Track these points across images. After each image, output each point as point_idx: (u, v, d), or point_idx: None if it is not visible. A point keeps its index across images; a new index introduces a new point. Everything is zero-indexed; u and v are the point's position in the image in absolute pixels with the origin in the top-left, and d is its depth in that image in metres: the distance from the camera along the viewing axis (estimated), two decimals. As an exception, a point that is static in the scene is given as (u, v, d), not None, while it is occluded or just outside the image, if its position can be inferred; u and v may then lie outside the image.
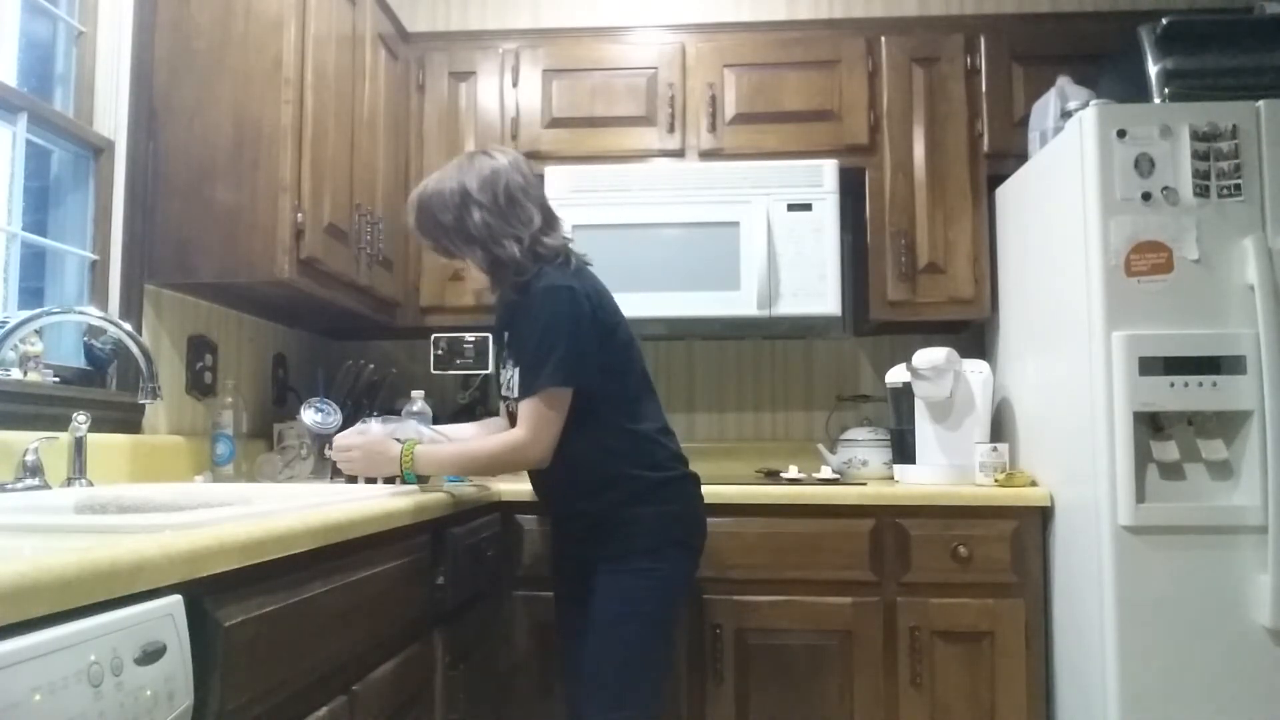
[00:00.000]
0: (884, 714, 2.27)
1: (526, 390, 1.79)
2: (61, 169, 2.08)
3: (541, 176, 2.64)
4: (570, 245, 1.91)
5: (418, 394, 2.36)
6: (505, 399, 1.95)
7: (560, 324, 1.77)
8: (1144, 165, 2.05)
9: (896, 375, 2.63)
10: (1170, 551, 1.98)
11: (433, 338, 2.66)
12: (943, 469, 2.50)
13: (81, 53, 2.11)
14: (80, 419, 1.73)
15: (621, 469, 1.84)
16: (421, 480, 1.85)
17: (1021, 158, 2.55)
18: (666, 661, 1.99)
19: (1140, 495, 1.99)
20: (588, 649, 1.81)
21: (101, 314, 1.78)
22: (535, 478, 1.96)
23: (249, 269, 2.11)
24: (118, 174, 2.09)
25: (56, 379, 1.86)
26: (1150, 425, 2.03)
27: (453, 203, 1.84)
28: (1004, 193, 2.65)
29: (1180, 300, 2.02)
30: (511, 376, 1.90)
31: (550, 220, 1.90)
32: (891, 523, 2.31)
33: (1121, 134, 2.05)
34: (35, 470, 1.62)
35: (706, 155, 2.76)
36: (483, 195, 1.83)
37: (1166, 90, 2.21)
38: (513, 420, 1.90)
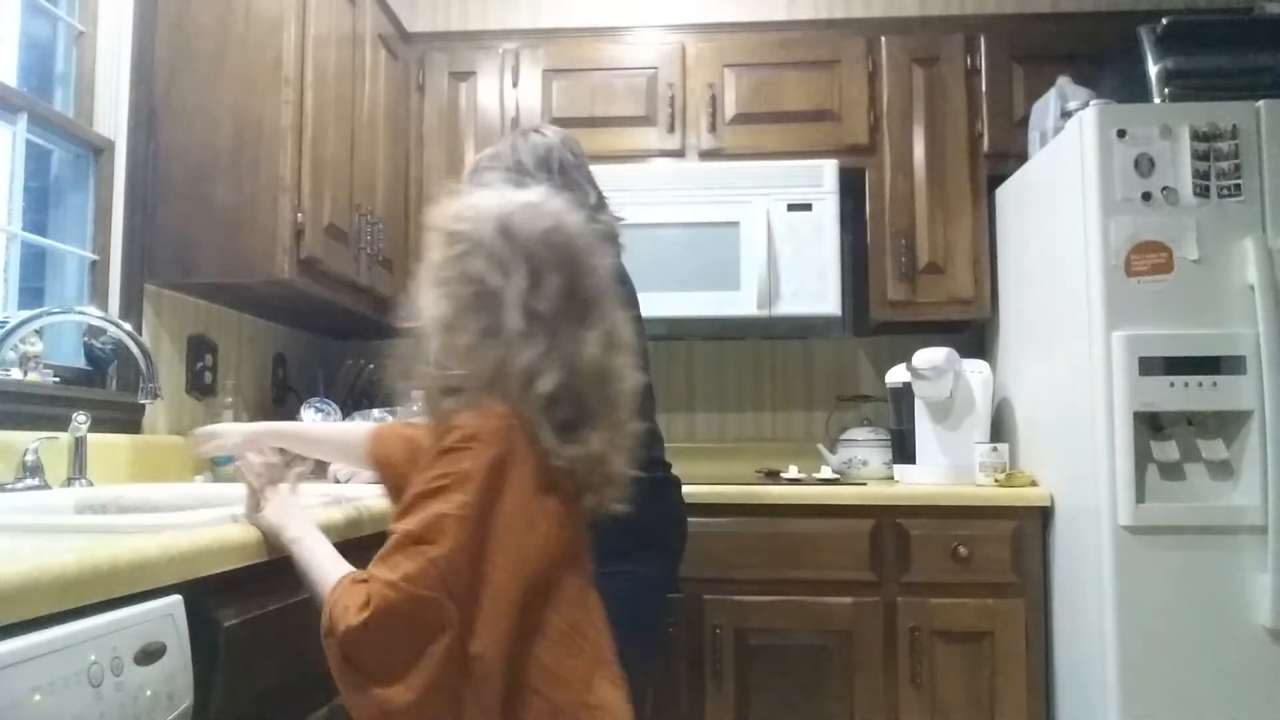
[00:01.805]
0: (884, 714, 2.27)
1: None
2: (61, 169, 2.08)
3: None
4: (619, 226, 1.90)
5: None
6: None
7: None
8: (1144, 165, 2.05)
9: (896, 375, 2.63)
10: (1170, 551, 1.98)
11: (433, 338, 2.65)
12: (943, 469, 2.50)
13: (81, 53, 2.11)
14: (80, 419, 1.73)
15: None
16: None
17: (1021, 158, 2.55)
18: (647, 662, 1.98)
19: (1140, 495, 1.99)
20: None
21: (101, 314, 1.78)
22: None
23: (249, 269, 2.11)
24: (118, 174, 2.09)
25: (56, 379, 1.86)
26: (1150, 425, 2.03)
27: (509, 179, 1.85)
28: (1004, 193, 2.65)
29: (1180, 300, 2.02)
30: None
31: (602, 199, 1.90)
32: (891, 523, 2.31)
33: (1121, 134, 2.05)
34: (35, 470, 1.62)
35: (706, 155, 2.76)
36: (539, 171, 1.84)
37: (1166, 90, 2.21)
38: None
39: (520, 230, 1.10)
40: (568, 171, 1.85)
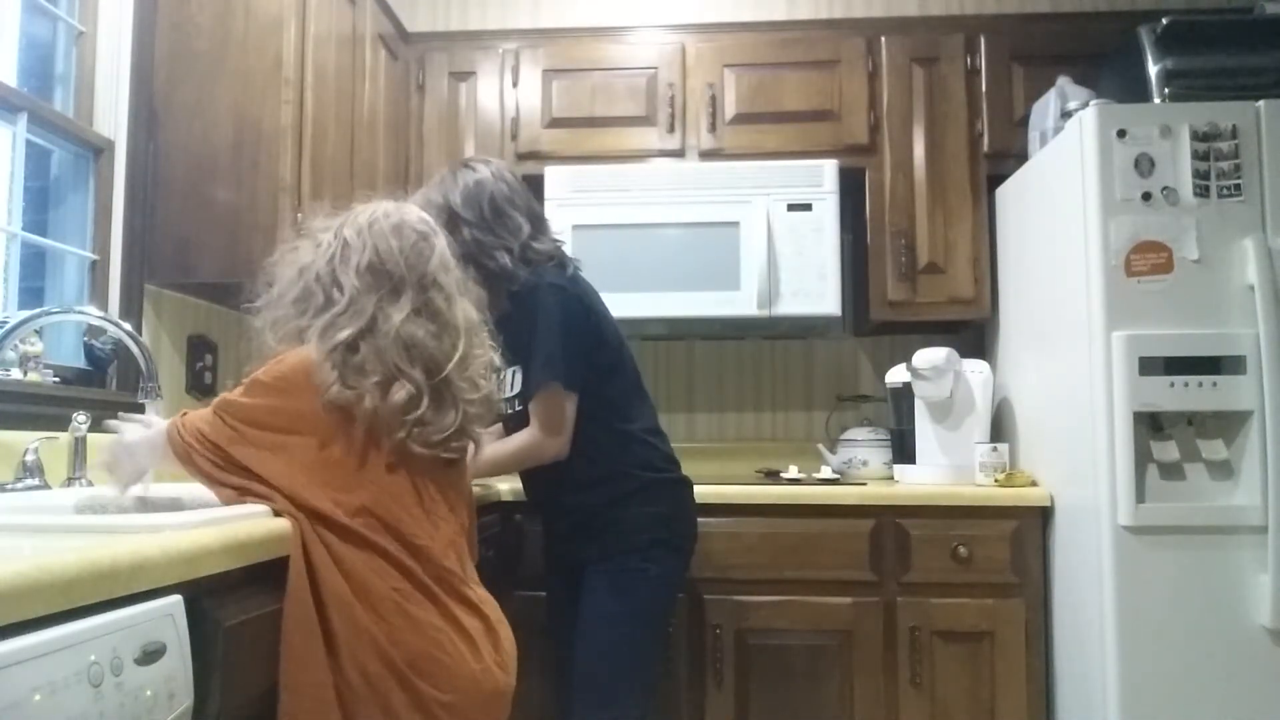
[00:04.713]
0: (884, 714, 2.27)
1: (532, 390, 1.82)
2: (61, 169, 2.08)
3: (540, 177, 2.64)
4: (562, 248, 1.92)
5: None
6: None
7: (555, 324, 1.80)
8: (1144, 165, 2.05)
9: (896, 375, 2.63)
10: (1170, 551, 1.98)
11: (433, 338, 2.65)
12: (943, 469, 2.50)
13: (81, 53, 2.11)
14: (80, 419, 1.73)
15: (612, 467, 1.85)
16: None
17: (1021, 158, 2.55)
18: (657, 662, 1.99)
19: (1140, 495, 1.99)
20: (578, 648, 1.82)
21: (101, 314, 1.78)
22: (526, 473, 1.97)
23: (249, 269, 2.09)
24: (118, 174, 2.09)
25: (56, 379, 1.86)
26: (1150, 425, 2.03)
27: (439, 220, 1.85)
28: (1004, 193, 2.65)
29: (1180, 300, 2.02)
30: (505, 377, 1.91)
31: (539, 225, 1.92)
32: (891, 523, 2.31)
33: (1121, 134, 2.05)
34: (35, 470, 1.62)
35: (706, 155, 2.76)
36: (468, 211, 1.85)
37: (1166, 90, 2.21)
38: (507, 421, 1.93)
39: (355, 227, 1.35)
40: (499, 205, 1.86)
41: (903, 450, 2.62)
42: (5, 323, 1.54)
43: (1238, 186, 2.02)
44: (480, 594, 1.37)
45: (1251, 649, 1.95)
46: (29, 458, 1.62)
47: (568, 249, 1.96)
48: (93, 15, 2.12)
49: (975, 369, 2.54)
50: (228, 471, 1.23)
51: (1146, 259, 2.03)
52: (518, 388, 1.88)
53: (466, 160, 1.96)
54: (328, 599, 1.16)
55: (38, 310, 1.59)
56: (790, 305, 2.59)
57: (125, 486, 1.39)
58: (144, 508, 1.49)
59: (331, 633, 1.15)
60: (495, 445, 1.93)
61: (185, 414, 1.30)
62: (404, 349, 1.29)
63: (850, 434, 2.86)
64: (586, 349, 1.83)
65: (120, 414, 1.44)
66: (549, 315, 1.80)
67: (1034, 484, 2.35)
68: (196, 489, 1.38)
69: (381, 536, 1.22)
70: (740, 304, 2.60)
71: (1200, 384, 1.99)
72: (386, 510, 1.24)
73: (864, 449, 2.79)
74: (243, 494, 1.22)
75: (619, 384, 1.91)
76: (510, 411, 1.91)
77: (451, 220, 1.84)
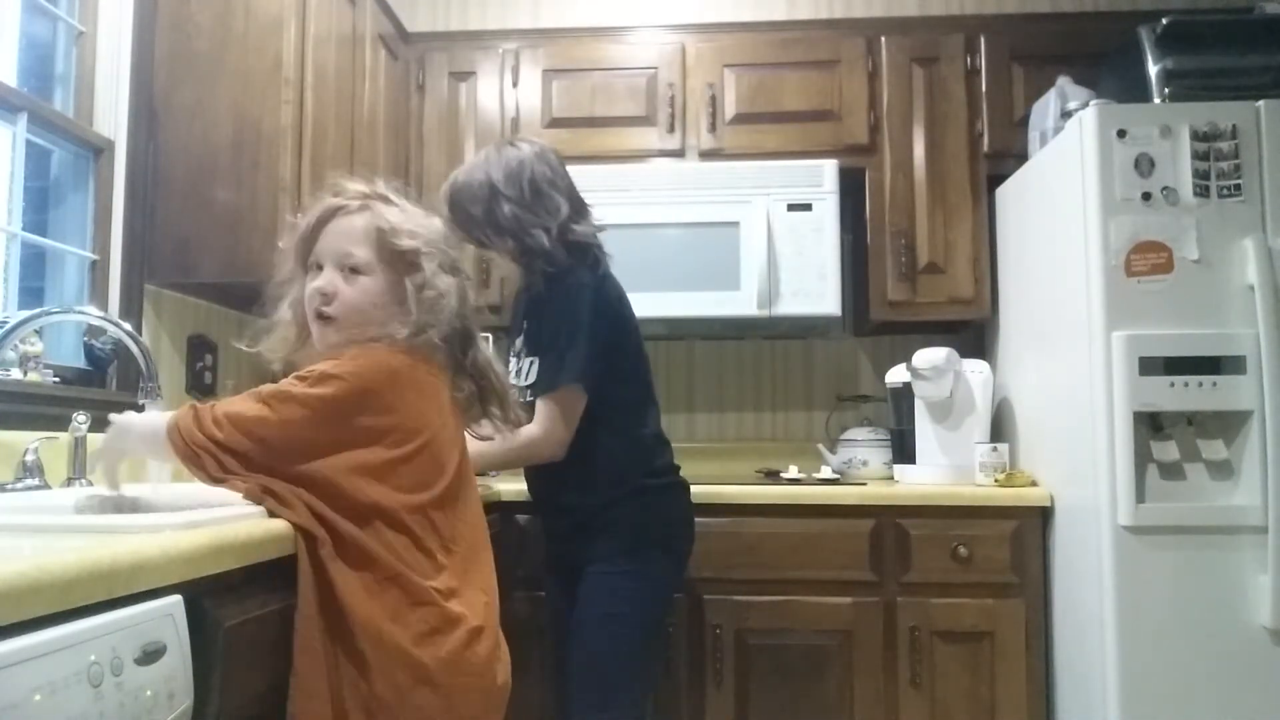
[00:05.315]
0: (884, 714, 2.27)
1: (545, 387, 1.82)
2: (61, 169, 2.08)
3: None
4: (600, 238, 1.92)
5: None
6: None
7: (582, 324, 1.80)
8: (1144, 165, 2.05)
9: (896, 375, 2.63)
10: (1170, 551, 1.98)
11: (433, 338, 2.64)
12: (943, 469, 2.50)
13: (81, 53, 2.11)
14: (80, 419, 1.73)
15: (616, 469, 1.85)
16: None
17: (1021, 158, 2.55)
18: (656, 663, 1.99)
19: (1140, 495, 1.99)
20: (576, 649, 1.82)
21: (101, 314, 1.78)
22: (529, 470, 1.97)
23: (249, 269, 2.11)
24: (118, 174, 2.09)
25: (56, 379, 1.86)
26: (1150, 425, 2.03)
27: (481, 195, 1.86)
28: (1004, 193, 2.65)
29: (1180, 300, 2.02)
30: (522, 367, 1.91)
31: (579, 208, 1.92)
32: (891, 523, 2.31)
33: (1121, 134, 2.05)
34: (35, 470, 1.62)
35: (706, 155, 2.76)
36: (509, 188, 1.85)
37: (1166, 90, 2.21)
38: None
39: (451, 252, 1.41)
40: (538, 185, 1.87)
41: (903, 450, 2.62)
42: (5, 323, 1.54)
43: (1238, 186, 2.02)
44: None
45: (1251, 649, 1.95)
46: (29, 458, 1.62)
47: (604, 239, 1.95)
48: (93, 15, 2.12)
49: (975, 369, 2.54)
50: (232, 474, 1.23)
51: (1146, 259, 2.03)
52: (533, 378, 1.88)
53: (511, 139, 1.97)
54: (354, 624, 1.15)
55: (38, 310, 1.59)
56: (790, 305, 2.59)
57: (102, 465, 1.31)
58: (144, 508, 1.49)
59: (362, 658, 1.16)
60: (493, 444, 1.92)
61: (195, 407, 1.26)
62: (491, 365, 1.45)
63: (850, 434, 2.86)
64: (608, 353, 1.83)
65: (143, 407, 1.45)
66: (577, 314, 1.80)
67: (1034, 484, 2.35)
68: (197, 489, 1.38)
69: (429, 535, 1.25)
70: (740, 304, 2.60)
71: (1200, 384, 1.99)
72: (438, 511, 1.28)
73: (864, 449, 2.79)
74: (265, 491, 1.20)
75: (634, 389, 1.91)
76: (521, 401, 1.90)
77: (493, 195, 1.85)
